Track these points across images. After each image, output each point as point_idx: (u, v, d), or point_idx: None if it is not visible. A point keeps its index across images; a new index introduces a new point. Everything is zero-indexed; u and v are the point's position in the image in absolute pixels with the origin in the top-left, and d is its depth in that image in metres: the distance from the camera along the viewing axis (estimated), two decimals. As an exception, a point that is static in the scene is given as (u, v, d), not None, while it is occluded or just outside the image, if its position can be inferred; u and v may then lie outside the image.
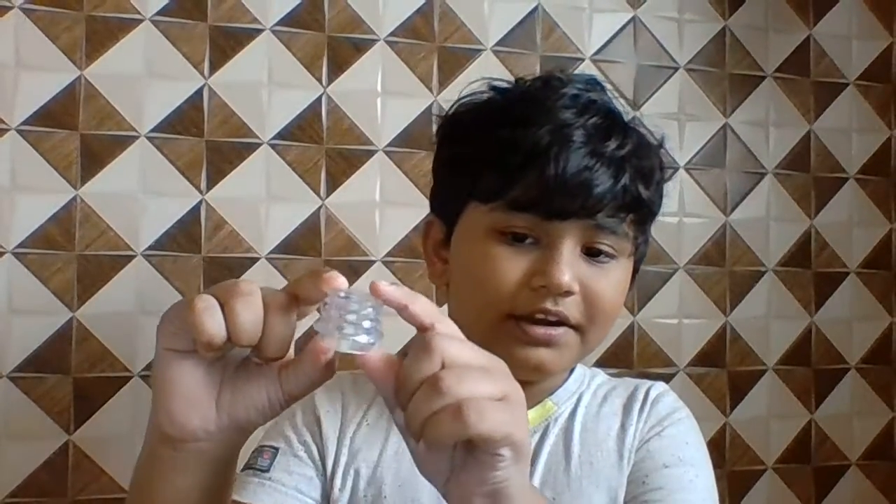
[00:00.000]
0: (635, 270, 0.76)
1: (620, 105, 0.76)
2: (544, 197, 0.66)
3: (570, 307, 0.68)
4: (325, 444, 0.73)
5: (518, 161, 0.67)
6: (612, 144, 0.68)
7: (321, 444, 0.73)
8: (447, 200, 0.75)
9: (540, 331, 0.68)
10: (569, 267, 0.67)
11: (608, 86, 0.76)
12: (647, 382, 0.79)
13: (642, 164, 0.71)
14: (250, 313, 0.47)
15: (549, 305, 0.67)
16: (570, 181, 0.66)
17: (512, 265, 0.68)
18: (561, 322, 0.68)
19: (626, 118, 0.75)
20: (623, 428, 0.73)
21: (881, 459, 1.39)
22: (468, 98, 0.75)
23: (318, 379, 0.50)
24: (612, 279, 0.70)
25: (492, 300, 0.68)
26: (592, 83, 0.74)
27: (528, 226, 0.68)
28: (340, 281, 0.47)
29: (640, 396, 0.76)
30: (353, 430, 0.74)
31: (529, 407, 0.72)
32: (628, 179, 0.68)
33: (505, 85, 0.76)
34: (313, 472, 0.72)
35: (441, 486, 0.50)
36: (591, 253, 0.69)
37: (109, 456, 1.07)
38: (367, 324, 0.47)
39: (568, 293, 0.67)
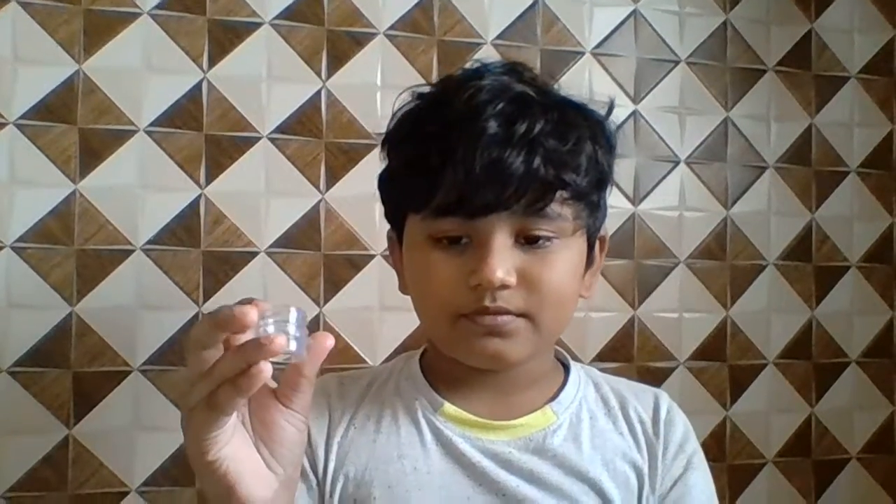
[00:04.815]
0: (593, 244, 0.75)
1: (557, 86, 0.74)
2: (462, 197, 0.66)
3: (511, 298, 0.67)
4: (315, 451, 0.74)
5: (435, 165, 0.67)
6: (521, 128, 0.66)
7: (311, 453, 0.74)
8: (391, 216, 0.77)
9: (487, 320, 0.67)
10: (500, 261, 0.66)
11: (534, 68, 0.75)
12: (649, 392, 0.80)
13: (562, 140, 0.68)
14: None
15: (487, 302, 0.67)
16: (482, 176, 0.65)
17: (448, 268, 0.68)
18: (506, 312, 0.68)
19: (551, 95, 0.72)
20: (639, 452, 0.75)
21: (881, 453, 1.39)
22: (399, 111, 0.75)
23: (305, 383, 0.57)
24: (553, 262, 0.68)
25: (438, 305, 0.69)
26: (509, 69, 0.73)
27: (457, 227, 0.68)
28: (254, 312, 0.51)
29: (648, 415, 0.77)
30: (340, 435, 0.75)
31: (527, 412, 0.75)
32: (542, 161, 0.66)
33: (427, 90, 0.75)
34: (307, 485, 0.73)
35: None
36: (530, 240, 0.68)
37: (109, 450, 1.07)
38: (292, 329, 0.53)
39: (504, 287, 0.66)
